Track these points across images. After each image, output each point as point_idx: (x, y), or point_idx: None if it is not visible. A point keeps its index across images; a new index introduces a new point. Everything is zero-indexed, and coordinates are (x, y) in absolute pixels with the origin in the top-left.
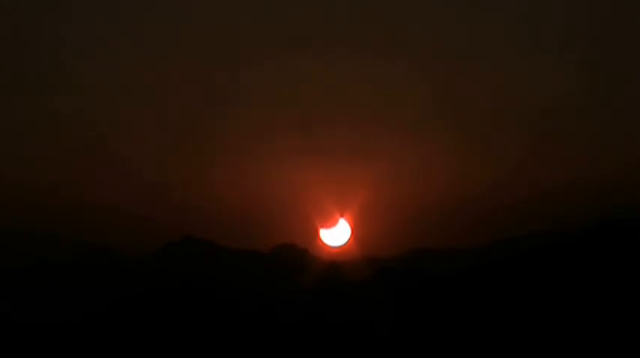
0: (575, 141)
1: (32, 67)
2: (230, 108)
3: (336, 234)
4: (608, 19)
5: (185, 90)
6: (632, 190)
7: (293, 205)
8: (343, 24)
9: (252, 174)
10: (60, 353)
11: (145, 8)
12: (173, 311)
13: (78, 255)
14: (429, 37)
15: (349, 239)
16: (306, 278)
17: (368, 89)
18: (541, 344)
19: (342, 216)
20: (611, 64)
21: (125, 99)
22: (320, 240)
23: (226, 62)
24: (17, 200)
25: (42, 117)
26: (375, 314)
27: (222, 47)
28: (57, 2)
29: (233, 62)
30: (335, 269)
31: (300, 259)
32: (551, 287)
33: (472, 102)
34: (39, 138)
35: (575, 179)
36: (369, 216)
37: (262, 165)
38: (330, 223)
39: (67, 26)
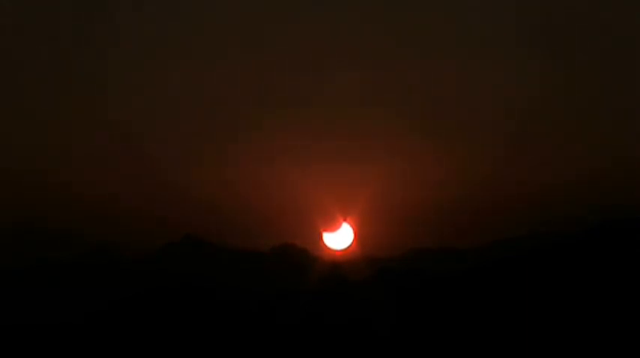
0: (572, 139)
1: (61, 65)
2: (232, 109)
3: (339, 238)
4: (585, 16)
5: (187, 91)
6: (627, 188)
7: (295, 208)
8: (342, 30)
9: (254, 175)
10: (60, 353)
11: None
12: (173, 311)
13: (78, 255)
14: (420, 39)
15: (352, 242)
16: (307, 278)
17: (369, 91)
18: (541, 344)
19: (344, 219)
20: (595, 60)
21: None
22: (323, 243)
23: (228, 64)
24: (18, 198)
25: (66, 114)
26: (375, 314)
27: (225, 48)
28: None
29: (236, 65)
30: (335, 270)
31: (300, 259)
32: (551, 288)
33: (469, 101)
34: (53, 134)
35: (573, 176)
36: (372, 218)
37: (264, 167)
38: (333, 227)
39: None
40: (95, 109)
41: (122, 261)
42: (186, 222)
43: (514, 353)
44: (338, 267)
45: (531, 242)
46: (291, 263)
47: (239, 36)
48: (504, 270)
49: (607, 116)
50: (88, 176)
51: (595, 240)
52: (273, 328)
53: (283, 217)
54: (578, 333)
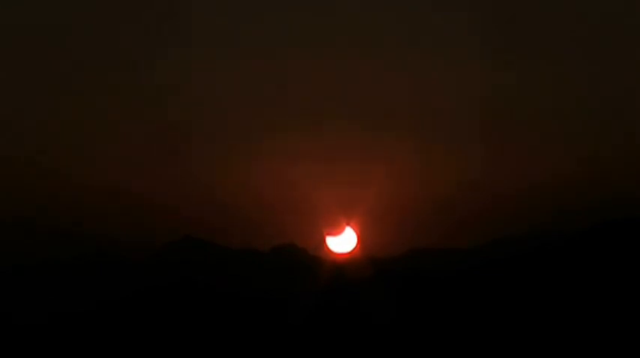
0: (567, 136)
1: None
2: (232, 108)
3: (343, 241)
4: (555, 12)
5: (185, 89)
6: (619, 185)
7: (297, 209)
8: (343, 23)
9: (255, 175)
10: (60, 354)
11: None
12: (173, 311)
13: (78, 255)
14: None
15: (355, 245)
16: (308, 278)
17: (370, 90)
18: (541, 344)
19: (348, 223)
20: (575, 55)
21: None
22: (326, 246)
23: (227, 63)
24: (19, 194)
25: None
26: (376, 314)
27: (223, 45)
28: None
29: (233, 63)
30: (337, 271)
31: (301, 259)
32: (551, 288)
33: (463, 102)
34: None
35: (572, 173)
36: (374, 219)
37: (266, 167)
38: (336, 230)
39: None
40: (105, 105)
41: (122, 260)
42: (186, 222)
43: (514, 353)
44: (339, 267)
45: (532, 241)
46: (292, 263)
47: (234, 32)
48: (504, 270)
49: (592, 112)
50: (93, 172)
51: (595, 240)
52: (274, 328)
53: (285, 218)
54: (577, 333)
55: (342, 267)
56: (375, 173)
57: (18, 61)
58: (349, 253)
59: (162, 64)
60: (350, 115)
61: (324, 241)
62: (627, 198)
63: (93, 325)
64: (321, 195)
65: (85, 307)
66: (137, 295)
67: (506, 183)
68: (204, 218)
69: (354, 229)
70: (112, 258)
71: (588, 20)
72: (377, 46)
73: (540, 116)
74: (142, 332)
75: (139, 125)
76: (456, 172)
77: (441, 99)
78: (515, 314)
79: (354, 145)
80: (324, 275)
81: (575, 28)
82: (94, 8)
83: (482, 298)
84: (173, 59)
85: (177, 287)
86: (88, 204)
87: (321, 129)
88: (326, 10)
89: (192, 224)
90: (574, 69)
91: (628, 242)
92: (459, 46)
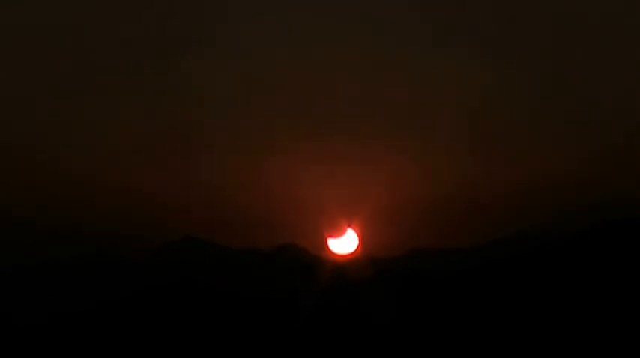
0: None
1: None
2: (235, 109)
3: (344, 243)
4: (538, 17)
5: (187, 89)
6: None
7: (300, 211)
8: (342, 23)
9: (257, 176)
10: (60, 354)
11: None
12: (172, 312)
13: (78, 255)
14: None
15: (357, 246)
16: (309, 278)
17: (370, 93)
18: (541, 344)
19: (349, 224)
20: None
21: None
22: (328, 248)
23: (228, 64)
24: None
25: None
26: (376, 314)
27: (227, 46)
28: None
29: (234, 64)
30: (337, 271)
31: (302, 259)
32: (551, 288)
33: (458, 102)
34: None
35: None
36: (376, 220)
37: (268, 169)
38: (338, 232)
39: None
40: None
41: (122, 261)
42: (187, 222)
43: (514, 352)
44: (340, 267)
45: (532, 241)
46: (292, 263)
47: (234, 33)
48: (504, 270)
49: (591, 112)
50: (94, 172)
51: (595, 240)
52: (275, 328)
53: (287, 219)
54: (578, 333)
55: (342, 267)
56: (375, 174)
57: (18, 61)
58: (350, 254)
59: (163, 63)
60: (351, 118)
61: (325, 242)
62: (627, 198)
63: (93, 325)
64: (323, 197)
65: (85, 307)
66: (137, 295)
67: (506, 183)
68: (206, 217)
69: (355, 231)
70: (112, 258)
71: (588, 20)
72: (376, 51)
73: (540, 116)
74: (142, 332)
75: (141, 125)
76: (456, 172)
77: (440, 101)
78: (515, 314)
79: (354, 147)
80: (324, 276)
81: (574, 28)
82: (94, 8)
83: (482, 298)
84: (174, 59)
85: (177, 287)
86: (89, 204)
87: (323, 132)
88: (327, 11)
89: (194, 224)
90: (574, 69)
91: (628, 242)
92: (459, 47)
